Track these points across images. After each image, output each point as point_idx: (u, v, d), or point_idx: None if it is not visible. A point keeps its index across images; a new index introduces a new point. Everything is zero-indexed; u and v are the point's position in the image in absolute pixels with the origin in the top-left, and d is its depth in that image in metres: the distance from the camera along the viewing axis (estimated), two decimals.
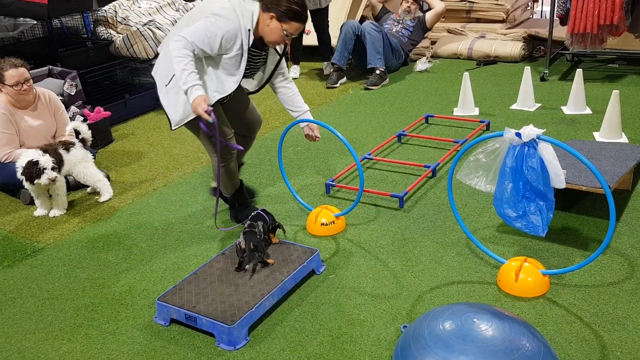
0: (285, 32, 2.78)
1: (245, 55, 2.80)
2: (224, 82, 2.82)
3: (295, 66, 6.30)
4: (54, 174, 3.38)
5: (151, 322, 2.48)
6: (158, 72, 2.91)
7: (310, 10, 5.78)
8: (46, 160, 3.37)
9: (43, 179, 3.35)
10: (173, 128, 2.89)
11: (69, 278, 2.87)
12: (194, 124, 2.85)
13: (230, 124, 3.03)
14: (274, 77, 3.10)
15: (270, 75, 3.07)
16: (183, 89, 2.67)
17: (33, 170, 3.34)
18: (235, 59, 2.79)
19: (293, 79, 3.27)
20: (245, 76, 2.93)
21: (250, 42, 2.78)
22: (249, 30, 2.76)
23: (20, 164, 3.39)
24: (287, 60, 3.05)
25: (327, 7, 5.96)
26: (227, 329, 2.25)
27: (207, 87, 2.80)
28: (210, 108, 2.66)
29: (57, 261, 3.03)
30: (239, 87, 2.98)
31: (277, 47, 2.98)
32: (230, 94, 2.89)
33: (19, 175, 3.41)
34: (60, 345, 2.38)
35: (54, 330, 2.49)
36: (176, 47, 2.65)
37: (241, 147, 2.94)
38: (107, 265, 2.95)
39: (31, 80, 3.80)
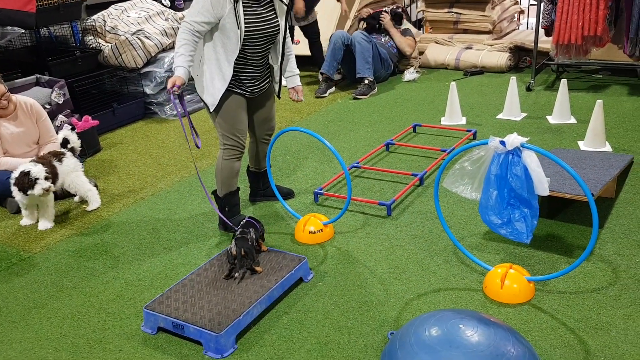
0: None
1: (239, 6, 2.86)
2: (229, 52, 2.93)
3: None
4: (48, 183, 3.32)
5: (138, 331, 2.48)
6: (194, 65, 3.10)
7: (301, 26, 5.91)
8: (38, 170, 3.31)
9: (37, 190, 3.29)
10: (212, 111, 3.07)
11: (56, 287, 2.86)
12: (214, 114, 3.07)
13: (256, 128, 3.33)
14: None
15: (284, 37, 3.12)
16: (173, 67, 2.87)
17: (25, 180, 3.29)
18: (230, 15, 2.86)
19: (282, 86, 3.36)
20: (255, 39, 2.97)
21: None
22: None
23: (14, 175, 3.35)
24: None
25: (316, 20, 6.03)
26: (215, 337, 2.25)
27: (213, 73, 2.97)
28: (177, 90, 2.81)
29: (43, 270, 3.02)
30: (267, 90, 3.23)
31: None
32: (257, 89, 3.11)
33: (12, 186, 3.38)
34: (47, 355, 2.37)
35: (40, 339, 2.47)
36: (179, 33, 2.88)
37: (199, 146, 2.99)
38: (94, 274, 2.94)
39: (8, 93, 3.76)
